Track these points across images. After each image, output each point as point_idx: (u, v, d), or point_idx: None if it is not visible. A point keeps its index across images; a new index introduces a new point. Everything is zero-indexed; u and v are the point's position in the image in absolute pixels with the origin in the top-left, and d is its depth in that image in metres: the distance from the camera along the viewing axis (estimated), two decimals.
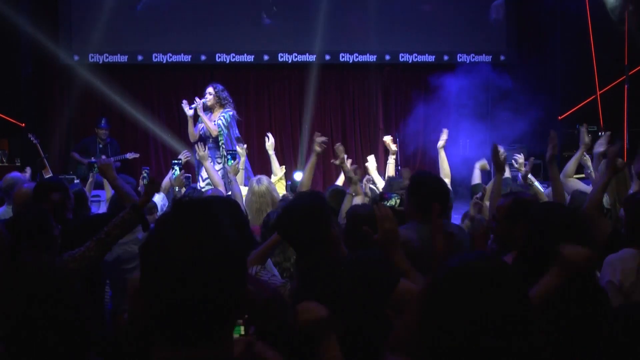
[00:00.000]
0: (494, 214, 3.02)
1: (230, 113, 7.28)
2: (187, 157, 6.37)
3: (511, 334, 1.44)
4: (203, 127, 7.24)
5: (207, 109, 7.30)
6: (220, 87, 7.37)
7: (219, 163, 7.18)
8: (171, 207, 1.26)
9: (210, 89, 7.32)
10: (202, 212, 1.23)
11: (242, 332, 2.02)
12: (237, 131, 7.45)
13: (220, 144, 7.17)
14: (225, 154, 6.92)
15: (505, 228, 2.83)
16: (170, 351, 1.18)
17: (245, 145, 6.52)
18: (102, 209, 6.10)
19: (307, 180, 4.45)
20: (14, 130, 8.89)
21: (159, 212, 4.90)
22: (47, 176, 7.42)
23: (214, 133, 7.14)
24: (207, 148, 7.22)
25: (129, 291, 3.07)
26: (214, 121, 7.20)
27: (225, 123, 7.19)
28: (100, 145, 8.97)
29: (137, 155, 8.96)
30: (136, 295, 2.97)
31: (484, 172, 5.99)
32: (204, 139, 7.21)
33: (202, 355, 1.18)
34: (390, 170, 6.04)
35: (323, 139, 4.75)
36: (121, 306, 3.70)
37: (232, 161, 5.84)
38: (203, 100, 7.24)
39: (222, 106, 7.31)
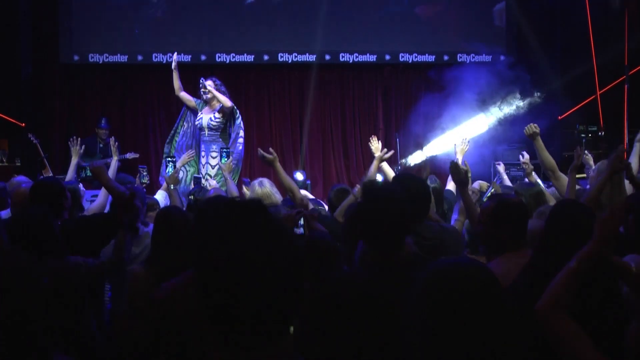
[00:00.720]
0: (479, 217, 3.01)
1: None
2: (191, 155, 6.42)
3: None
4: (200, 120, 7.22)
5: (205, 103, 7.32)
6: (218, 81, 7.39)
7: (214, 158, 7.17)
8: (224, 208, 1.24)
9: (209, 82, 7.30)
10: (263, 212, 1.22)
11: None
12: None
13: (229, 132, 7.20)
14: (219, 151, 6.93)
15: (491, 231, 2.78)
16: (231, 353, 1.17)
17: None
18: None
19: (289, 186, 4.41)
20: (14, 130, 8.89)
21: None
22: (46, 176, 7.43)
23: (228, 103, 7.16)
24: (201, 141, 7.29)
25: (131, 285, 3.11)
26: (213, 112, 7.21)
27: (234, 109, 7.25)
28: (101, 145, 8.96)
29: (137, 156, 8.95)
30: (137, 288, 2.98)
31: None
32: (192, 133, 7.25)
33: (263, 356, 1.17)
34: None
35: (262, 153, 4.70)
36: (121, 306, 3.71)
37: (226, 159, 5.81)
38: (204, 92, 7.26)
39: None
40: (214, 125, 7.22)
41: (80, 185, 5.83)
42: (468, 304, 1.44)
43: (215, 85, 7.32)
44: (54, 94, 9.72)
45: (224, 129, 7.31)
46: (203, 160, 7.28)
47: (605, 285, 2.22)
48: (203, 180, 6.95)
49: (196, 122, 7.36)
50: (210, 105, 7.29)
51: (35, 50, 9.32)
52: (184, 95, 7.47)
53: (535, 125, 4.76)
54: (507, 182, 5.87)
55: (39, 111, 9.59)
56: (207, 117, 7.25)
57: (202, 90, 7.28)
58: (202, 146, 7.33)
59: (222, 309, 1.16)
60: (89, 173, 5.84)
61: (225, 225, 1.20)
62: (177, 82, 7.39)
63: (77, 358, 1.98)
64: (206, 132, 7.24)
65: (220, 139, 7.27)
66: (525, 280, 2.35)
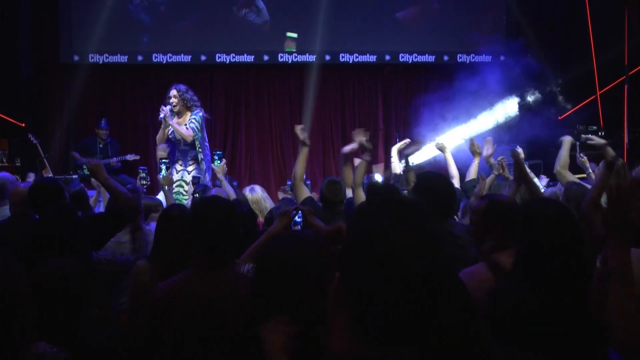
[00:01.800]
0: (471, 217, 3.01)
1: (200, 114, 7.00)
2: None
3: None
4: (172, 131, 6.94)
5: (174, 114, 6.99)
6: (183, 87, 7.07)
7: (191, 165, 7.04)
8: (382, 207, 1.20)
9: (173, 92, 6.98)
10: (419, 212, 1.18)
11: None
12: (205, 134, 7.21)
13: (197, 148, 6.95)
14: (210, 155, 6.85)
15: (482, 231, 2.78)
16: (365, 348, 1.16)
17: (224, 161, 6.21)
18: (101, 208, 6.09)
19: (301, 172, 4.45)
20: (14, 130, 8.89)
21: None
22: (46, 176, 7.43)
23: (190, 138, 6.86)
24: (177, 152, 7.09)
25: (135, 278, 3.15)
26: (185, 125, 6.93)
27: (198, 126, 6.92)
28: (101, 145, 8.96)
29: (138, 157, 8.94)
30: (140, 281, 3.02)
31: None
32: (174, 142, 7.01)
33: (399, 356, 1.16)
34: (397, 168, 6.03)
35: (301, 126, 4.85)
36: (125, 304, 3.72)
37: (219, 162, 5.79)
38: (168, 106, 6.94)
39: (189, 108, 7.02)
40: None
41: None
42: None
43: (180, 92, 6.99)
44: (54, 94, 9.73)
45: (202, 137, 7.10)
46: (179, 167, 7.08)
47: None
48: (202, 178, 6.91)
49: (169, 135, 6.99)
50: (180, 116, 7.01)
51: (35, 50, 9.32)
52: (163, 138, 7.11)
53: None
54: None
55: (39, 111, 9.60)
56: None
57: (171, 100, 6.97)
58: (178, 154, 7.03)
59: (371, 310, 1.14)
60: (87, 172, 5.82)
61: (389, 228, 1.16)
62: (162, 134, 7.05)
63: (70, 351, 2.01)
64: (181, 143, 7.00)
65: (197, 146, 7.04)
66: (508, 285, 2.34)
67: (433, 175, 3.43)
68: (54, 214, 3.02)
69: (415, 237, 1.14)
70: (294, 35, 9.84)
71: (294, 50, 9.89)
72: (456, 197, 3.33)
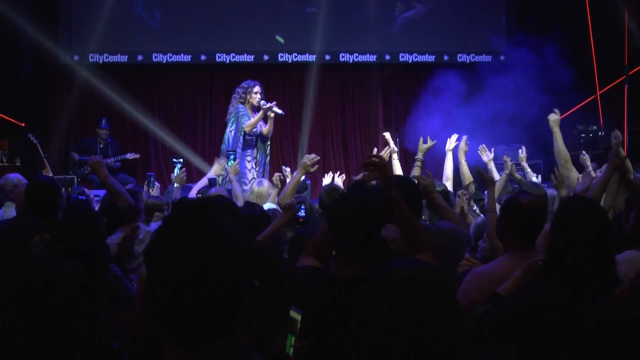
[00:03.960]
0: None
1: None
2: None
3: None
4: (261, 125, 7.38)
5: (251, 108, 7.42)
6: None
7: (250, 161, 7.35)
8: (171, 209, 1.27)
9: (258, 88, 7.40)
10: (204, 212, 1.23)
11: (293, 343, 2.00)
12: None
13: (267, 142, 7.53)
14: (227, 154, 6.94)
15: (498, 228, 2.75)
16: (182, 352, 1.18)
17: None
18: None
19: (290, 193, 4.41)
20: (14, 130, 8.89)
21: None
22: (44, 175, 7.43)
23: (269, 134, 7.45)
24: (249, 146, 7.38)
25: (139, 287, 3.12)
26: (263, 122, 7.44)
27: None
28: (101, 145, 8.96)
29: (138, 156, 8.95)
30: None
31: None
32: (248, 137, 7.34)
33: (212, 355, 1.18)
34: (397, 169, 5.96)
35: (313, 157, 4.84)
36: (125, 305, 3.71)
37: (232, 162, 5.85)
38: (262, 100, 7.34)
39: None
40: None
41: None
42: (418, 307, 1.45)
43: (261, 88, 7.44)
44: (54, 94, 9.72)
45: None
46: (249, 165, 7.41)
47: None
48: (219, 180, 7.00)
49: (255, 129, 7.37)
50: (258, 110, 7.36)
51: (35, 50, 9.31)
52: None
53: (557, 110, 4.96)
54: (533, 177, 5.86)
55: (39, 111, 9.59)
56: (258, 126, 7.34)
57: (261, 100, 7.32)
58: (249, 151, 7.43)
59: (161, 307, 1.18)
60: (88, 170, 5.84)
61: (164, 226, 1.23)
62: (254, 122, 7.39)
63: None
64: (258, 139, 7.49)
65: (266, 144, 7.62)
66: (538, 288, 2.28)
67: (398, 177, 3.37)
68: (78, 220, 2.81)
69: (192, 233, 1.19)
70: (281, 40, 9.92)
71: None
72: (420, 198, 3.27)
